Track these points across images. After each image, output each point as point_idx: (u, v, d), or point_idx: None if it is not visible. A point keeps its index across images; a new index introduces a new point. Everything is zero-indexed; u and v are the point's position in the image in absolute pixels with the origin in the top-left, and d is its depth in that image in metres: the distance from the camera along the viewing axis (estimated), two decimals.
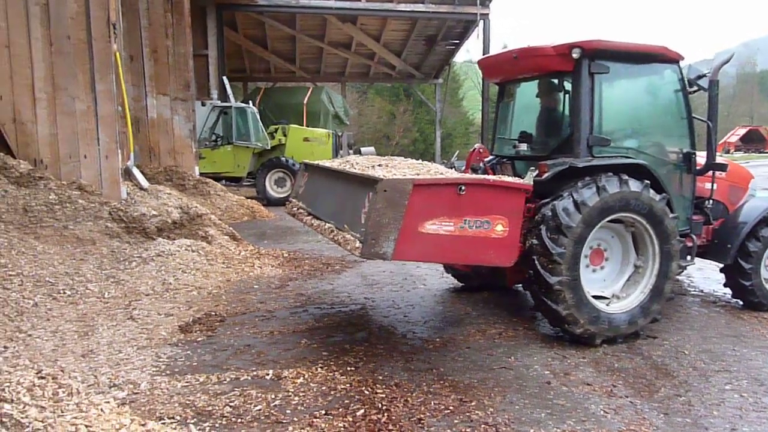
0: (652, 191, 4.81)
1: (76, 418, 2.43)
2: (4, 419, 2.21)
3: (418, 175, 4.07)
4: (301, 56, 23.96)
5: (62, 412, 2.41)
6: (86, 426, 2.39)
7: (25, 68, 7.07)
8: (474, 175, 4.26)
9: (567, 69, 4.96)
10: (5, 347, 4.30)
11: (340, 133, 17.92)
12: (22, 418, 2.26)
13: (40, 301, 5.26)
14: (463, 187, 3.98)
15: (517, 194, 4.33)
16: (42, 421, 2.29)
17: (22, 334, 4.65)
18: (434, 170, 4.46)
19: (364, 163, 4.79)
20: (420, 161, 5.01)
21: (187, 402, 3.65)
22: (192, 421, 3.40)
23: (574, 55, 4.85)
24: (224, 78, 16.70)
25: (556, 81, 5.41)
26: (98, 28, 7.21)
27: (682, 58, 5.36)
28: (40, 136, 7.17)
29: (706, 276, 7.26)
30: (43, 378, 2.55)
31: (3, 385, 2.34)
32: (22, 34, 7.04)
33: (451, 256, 4.29)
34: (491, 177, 4.29)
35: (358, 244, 3.85)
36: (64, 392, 2.52)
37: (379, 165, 4.58)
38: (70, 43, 7.15)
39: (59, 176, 7.18)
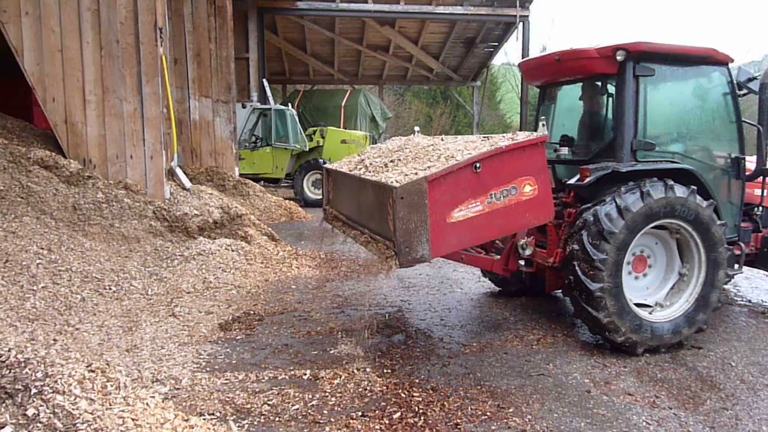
0: (698, 197, 4.68)
1: (123, 411, 2.51)
2: (56, 410, 2.30)
3: (430, 168, 3.90)
4: (339, 59, 24.14)
5: (110, 405, 2.49)
6: (133, 419, 2.47)
7: (76, 71, 7.33)
8: (485, 148, 4.01)
9: (611, 72, 4.87)
10: (55, 340, 4.47)
11: (377, 136, 17.98)
12: (73, 409, 2.35)
13: (87, 296, 5.44)
14: (478, 165, 3.84)
15: (534, 149, 4.09)
16: (92, 413, 2.37)
17: (70, 327, 4.82)
18: (453, 148, 4.24)
19: (378, 160, 4.62)
20: (436, 141, 4.73)
21: (227, 399, 3.73)
22: (231, 418, 3.47)
23: (619, 58, 4.76)
24: (264, 80, 16.97)
25: (599, 84, 5.31)
26: (146, 32, 7.43)
27: (732, 60, 5.20)
28: (89, 136, 7.42)
29: (754, 285, 7.01)
30: (92, 371, 2.64)
31: (56, 377, 2.44)
32: (74, 39, 7.30)
33: (489, 234, 4.14)
34: (502, 143, 4.02)
35: (394, 255, 3.80)
36: (112, 386, 2.61)
37: (391, 161, 4.42)
38: (119, 47, 7.39)
39: (107, 176, 7.41)
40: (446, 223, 3.80)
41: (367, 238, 4.33)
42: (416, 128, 5.91)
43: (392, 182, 3.76)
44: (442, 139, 4.77)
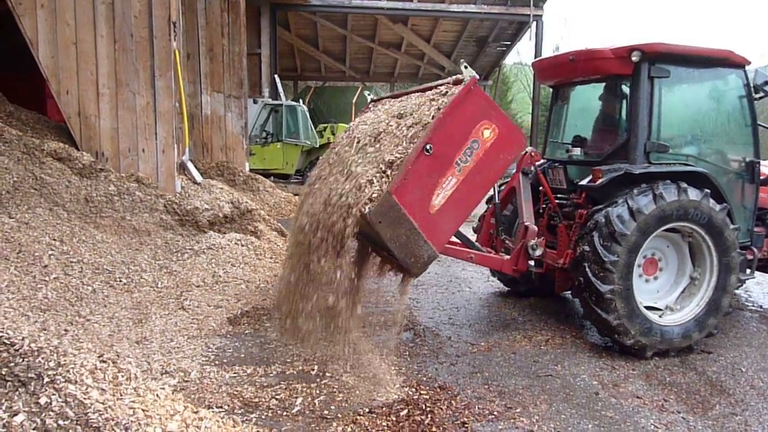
0: (712, 201, 4.64)
1: (134, 402, 2.53)
2: (68, 399, 2.33)
3: (386, 176, 3.69)
4: (351, 56, 24.15)
5: (121, 395, 2.51)
6: (143, 410, 2.49)
7: (90, 64, 7.37)
8: (426, 127, 3.73)
9: (626, 72, 4.85)
10: (66, 330, 4.50)
11: None
12: (84, 399, 2.37)
13: (98, 288, 5.47)
14: (428, 147, 3.63)
15: (470, 96, 3.78)
16: (103, 403, 2.39)
17: (81, 318, 4.86)
18: (391, 144, 3.90)
19: (338, 168, 4.34)
20: (376, 126, 4.38)
21: (235, 392, 3.74)
22: (239, 412, 3.48)
23: (634, 59, 4.74)
24: (276, 76, 17.00)
25: (613, 85, 5.28)
26: (159, 26, 7.45)
27: (749, 63, 5.16)
28: (102, 129, 7.47)
29: (766, 291, 6.95)
30: (104, 362, 2.67)
31: (68, 366, 2.47)
32: (89, 32, 7.34)
33: (478, 196, 3.96)
34: (440, 113, 3.74)
35: (406, 269, 3.77)
36: (123, 376, 2.63)
37: (356, 165, 4.11)
38: (133, 41, 7.42)
39: (119, 169, 7.45)
40: (432, 215, 3.69)
41: (385, 256, 4.26)
42: (367, 93, 5.79)
43: (362, 207, 3.62)
44: (385, 126, 4.33)
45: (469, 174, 3.77)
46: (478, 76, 3.85)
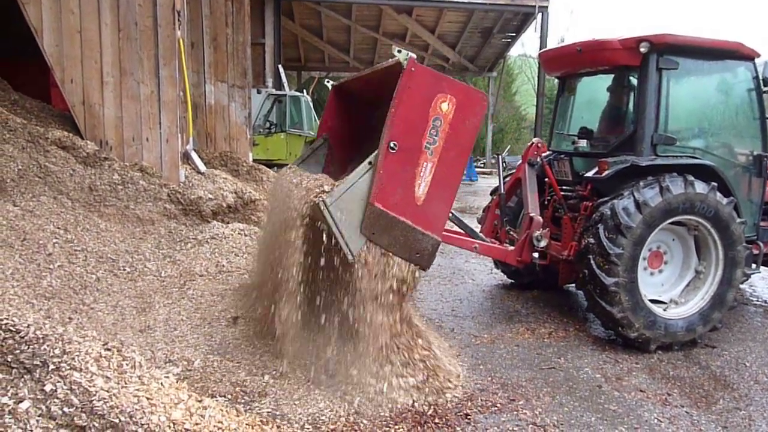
0: (718, 194, 4.62)
1: (138, 390, 2.53)
2: (73, 387, 2.33)
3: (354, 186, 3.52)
4: (355, 46, 24.07)
5: (126, 383, 2.52)
6: (147, 399, 2.49)
7: (94, 53, 7.34)
8: (383, 132, 3.57)
9: (634, 64, 4.81)
10: (70, 318, 4.50)
11: None
12: (89, 386, 2.37)
13: (102, 276, 5.47)
14: (392, 144, 3.49)
15: (414, 75, 3.56)
16: (108, 391, 2.39)
17: (85, 306, 4.86)
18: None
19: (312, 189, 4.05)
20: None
21: (238, 381, 3.75)
22: (242, 401, 3.49)
23: (642, 50, 4.70)
24: (280, 66, 16.94)
25: (621, 76, 5.24)
26: (164, 15, 7.41)
27: (758, 55, 5.11)
28: (106, 118, 7.44)
29: None
30: (108, 350, 2.67)
31: (73, 354, 2.47)
32: (93, 20, 7.30)
33: (460, 169, 3.79)
34: (392, 107, 3.54)
35: (415, 266, 3.72)
36: (127, 365, 2.63)
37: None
38: (137, 30, 7.38)
39: (123, 158, 7.43)
40: (419, 206, 3.62)
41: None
42: (326, 81, 5.75)
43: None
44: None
45: (443, 153, 3.66)
46: (414, 56, 3.65)
